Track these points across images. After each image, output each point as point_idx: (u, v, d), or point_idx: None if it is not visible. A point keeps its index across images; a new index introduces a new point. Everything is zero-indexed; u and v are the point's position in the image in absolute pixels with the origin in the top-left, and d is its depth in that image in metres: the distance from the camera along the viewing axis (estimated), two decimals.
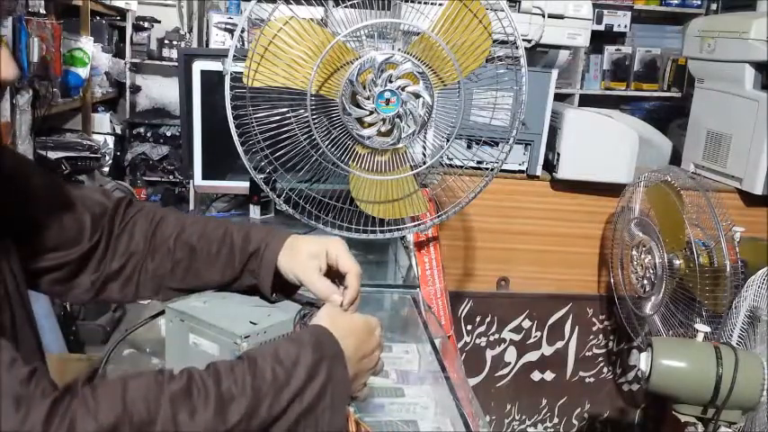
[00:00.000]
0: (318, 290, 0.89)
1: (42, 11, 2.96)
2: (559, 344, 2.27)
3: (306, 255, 0.90)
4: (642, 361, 1.37)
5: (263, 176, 1.31)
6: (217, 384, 0.66)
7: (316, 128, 1.24)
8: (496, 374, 2.26)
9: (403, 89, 1.24)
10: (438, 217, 1.42)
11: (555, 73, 1.99)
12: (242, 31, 1.39)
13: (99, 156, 3.67)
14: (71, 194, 0.89)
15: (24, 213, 0.83)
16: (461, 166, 1.39)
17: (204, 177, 1.71)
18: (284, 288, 0.93)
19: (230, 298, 0.95)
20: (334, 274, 0.92)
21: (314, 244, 0.92)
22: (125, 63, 4.43)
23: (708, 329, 1.41)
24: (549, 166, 2.06)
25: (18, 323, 0.74)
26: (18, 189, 0.82)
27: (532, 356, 2.26)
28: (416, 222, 1.41)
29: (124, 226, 0.93)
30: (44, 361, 0.80)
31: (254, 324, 0.86)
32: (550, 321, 2.24)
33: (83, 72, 3.58)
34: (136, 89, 4.57)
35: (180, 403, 0.64)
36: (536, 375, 2.29)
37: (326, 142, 1.26)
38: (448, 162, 1.37)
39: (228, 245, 0.93)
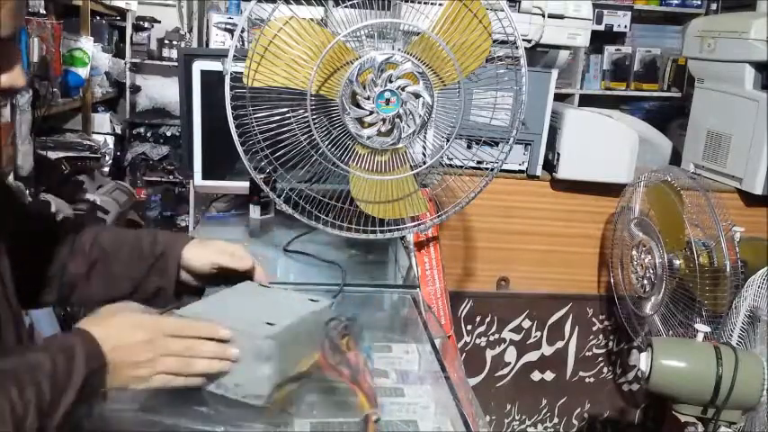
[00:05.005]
0: (239, 256, 1.02)
1: (42, 11, 2.96)
2: (559, 344, 2.27)
3: (215, 248, 1.03)
4: (642, 361, 1.37)
5: (263, 176, 1.31)
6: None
7: (316, 128, 1.24)
8: (496, 374, 2.26)
9: (403, 89, 1.24)
10: (438, 217, 1.42)
11: (555, 73, 1.99)
12: (242, 31, 1.39)
13: (99, 156, 3.66)
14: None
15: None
16: (461, 166, 1.39)
17: (204, 177, 1.72)
18: (189, 288, 1.03)
19: (229, 300, 0.95)
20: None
21: (222, 245, 1.04)
22: (125, 63, 4.42)
23: (708, 329, 1.41)
24: (549, 166, 2.06)
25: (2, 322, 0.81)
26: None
27: (532, 356, 2.26)
28: (416, 222, 1.41)
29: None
30: None
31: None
32: (550, 321, 2.24)
33: (83, 72, 3.57)
34: (136, 89, 4.56)
35: None
36: (536, 375, 2.29)
37: (326, 142, 1.26)
38: (448, 162, 1.37)
39: (138, 247, 1.02)
